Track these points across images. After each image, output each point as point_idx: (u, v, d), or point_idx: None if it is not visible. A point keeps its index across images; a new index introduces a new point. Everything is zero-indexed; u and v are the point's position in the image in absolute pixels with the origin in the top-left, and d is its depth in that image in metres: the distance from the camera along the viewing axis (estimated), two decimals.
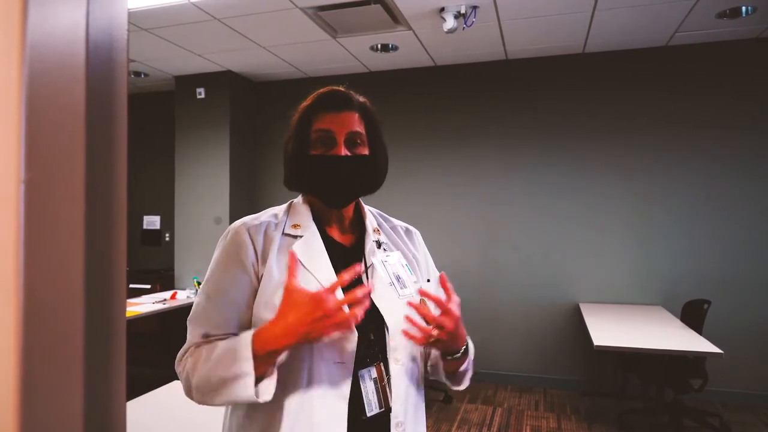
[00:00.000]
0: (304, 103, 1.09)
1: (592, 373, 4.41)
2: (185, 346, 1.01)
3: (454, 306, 0.99)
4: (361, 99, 1.10)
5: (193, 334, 1.01)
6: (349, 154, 1.03)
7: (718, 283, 4.14)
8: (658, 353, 3.02)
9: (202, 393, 0.96)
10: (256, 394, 0.90)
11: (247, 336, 0.92)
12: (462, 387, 1.12)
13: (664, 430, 3.52)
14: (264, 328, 0.92)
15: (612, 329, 3.42)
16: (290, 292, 0.91)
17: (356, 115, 1.06)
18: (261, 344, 0.90)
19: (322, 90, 1.09)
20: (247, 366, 0.89)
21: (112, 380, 0.34)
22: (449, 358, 1.06)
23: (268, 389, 0.91)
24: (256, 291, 1.00)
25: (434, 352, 1.12)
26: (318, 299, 0.88)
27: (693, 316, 3.63)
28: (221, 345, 0.95)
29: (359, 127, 1.06)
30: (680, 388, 3.33)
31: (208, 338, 0.99)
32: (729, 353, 3.18)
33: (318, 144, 1.04)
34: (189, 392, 0.99)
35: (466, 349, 1.07)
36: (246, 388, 0.89)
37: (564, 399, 4.25)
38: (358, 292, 0.89)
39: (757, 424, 3.72)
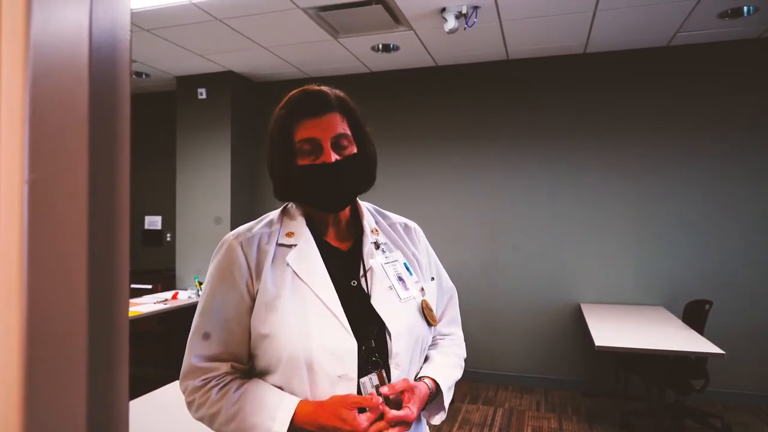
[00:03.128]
0: (280, 111, 1.03)
1: (594, 374, 4.41)
2: (187, 368, 1.01)
3: (410, 410, 0.98)
4: (338, 93, 1.06)
5: (191, 353, 1.00)
6: (338, 158, 1.00)
7: (719, 284, 4.13)
8: (659, 354, 3.01)
9: None
10: None
11: (283, 421, 0.92)
12: (432, 421, 1.10)
13: (666, 431, 3.51)
14: (304, 411, 0.93)
15: (613, 329, 3.41)
16: (345, 407, 0.92)
17: (338, 116, 1.01)
18: (296, 422, 0.93)
19: (294, 93, 1.04)
20: None
21: (115, 380, 0.34)
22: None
23: None
24: (249, 308, 0.99)
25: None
26: (356, 425, 0.91)
27: (694, 316, 3.62)
28: (248, 411, 0.94)
29: (343, 128, 1.01)
30: (682, 388, 3.33)
31: (206, 359, 0.99)
32: (731, 354, 3.17)
33: (304, 154, 1.00)
34: (201, 421, 1.01)
35: (435, 396, 1.07)
36: None
37: (565, 399, 4.24)
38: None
39: (758, 424, 3.71)
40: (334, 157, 0.99)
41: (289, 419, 0.92)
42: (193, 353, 1.00)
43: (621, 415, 3.76)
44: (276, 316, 0.96)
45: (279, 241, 1.04)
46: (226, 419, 0.95)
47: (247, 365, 1.03)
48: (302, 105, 1.01)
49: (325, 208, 1.05)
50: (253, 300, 0.99)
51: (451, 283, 1.25)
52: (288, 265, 1.01)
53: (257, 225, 1.07)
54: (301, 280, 0.99)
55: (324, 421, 0.92)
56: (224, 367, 0.99)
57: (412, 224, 1.22)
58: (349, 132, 1.02)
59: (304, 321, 0.96)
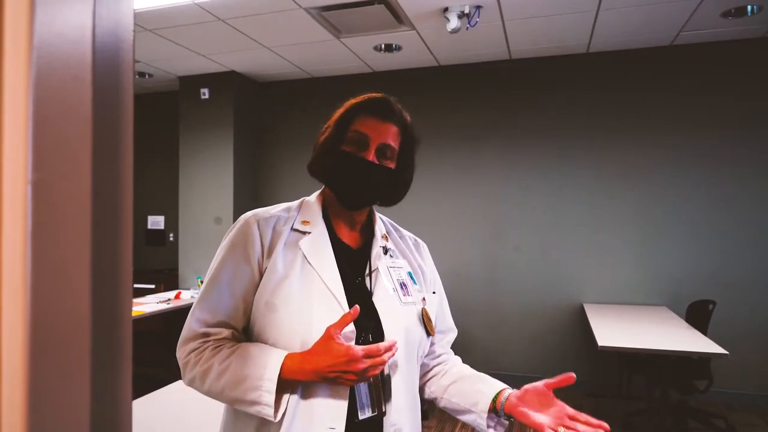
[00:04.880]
0: (354, 100, 1.10)
1: (596, 374, 4.40)
2: (188, 333, 1.02)
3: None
4: (407, 117, 1.12)
5: (193, 318, 1.02)
6: (376, 162, 1.04)
7: (723, 284, 4.12)
8: (662, 354, 3.00)
9: (211, 396, 0.99)
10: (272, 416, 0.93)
11: (273, 369, 0.93)
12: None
13: (669, 431, 3.50)
14: (293, 361, 0.93)
15: (616, 330, 3.40)
16: (331, 339, 0.92)
17: (396, 129, 1.08)
18: (285, 373, 0.93)
19: (375, 94, 1.12)
20: (269, 398, 0.92)
21: (118, 380, 0.34)
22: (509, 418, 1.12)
23: (281, 410, 0.94)
24: (257, 285, 1.02)
25: (454, 398, 1.16)
26: (354, 359, 0.90)
27: (698, 316, 3.61)
28: (238, 365, 0.95)
29: (394, 142, 1.07)
30: (685, 389, 3.32)
31: (207, 326, 1.01)
32: (734, 354, 3.16)
33: (351, 143, 1.05)
34: (192, 385, 1.01)
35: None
36: (263, 414, 0.93)
37: (568, 400, 4.18)
38: (386, 356, 0.93)
39: (762, 425, 3.70)
40: (373, 159, 1.04)
41: (279, 366, 0.93)
42: (194, 319, 1.02)
43: (624, 416, 3.75)
44: (281, 295, 0.99)
45: (294, 227, 1.07)
46: (217, 374, 0.95)
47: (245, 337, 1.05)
48: (373, 104, 1.08)
49: (342, 199, 1.09)
50: (261, 277, 1.02)
51: (453, 325, 1.28)
52: (300, 249, 1.04)
53: (275, 208, 1.11)
54: (311, 266, 1.02)
55: (315, 363, 0.92)
56: (225, 332, 1.01)
57: (421, 241, 1.27)
58: (397, 149, 1.08)
59: (307, 304, 0.99)
